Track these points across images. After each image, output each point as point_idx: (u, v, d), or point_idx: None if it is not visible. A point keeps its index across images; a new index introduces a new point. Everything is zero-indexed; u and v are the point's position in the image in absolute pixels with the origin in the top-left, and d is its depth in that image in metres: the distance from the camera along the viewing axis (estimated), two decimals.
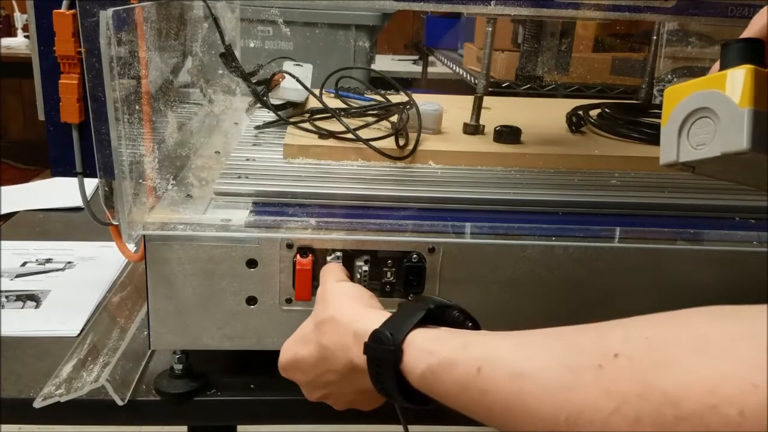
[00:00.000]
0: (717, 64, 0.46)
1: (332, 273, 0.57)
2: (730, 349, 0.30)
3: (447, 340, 0.42)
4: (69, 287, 0.83)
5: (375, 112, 0.86)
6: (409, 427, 0.55)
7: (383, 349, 0.43)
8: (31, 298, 0.80)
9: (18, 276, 0.85)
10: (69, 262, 0.89)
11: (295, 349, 0.52)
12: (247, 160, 0.75)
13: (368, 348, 0.45)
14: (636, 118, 0.91)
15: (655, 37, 1.03)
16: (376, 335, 0.44)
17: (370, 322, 0.46)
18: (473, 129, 0.84)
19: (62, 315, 0.76)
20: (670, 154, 0.47)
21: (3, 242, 0.93)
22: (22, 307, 0.78)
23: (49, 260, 0.90)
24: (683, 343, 0.31)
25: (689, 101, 0.45)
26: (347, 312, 0.49)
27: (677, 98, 0.46)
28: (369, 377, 0.45)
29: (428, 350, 0.42)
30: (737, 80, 0.42)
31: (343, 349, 0.47)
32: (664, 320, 0.34)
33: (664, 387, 0.30)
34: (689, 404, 0.29)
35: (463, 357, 0.40)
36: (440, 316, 0.45)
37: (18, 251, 0.92)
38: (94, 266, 0.88)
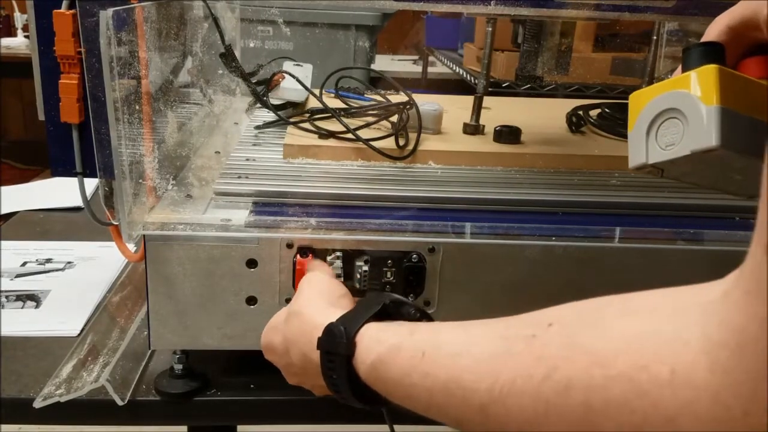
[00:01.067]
0: (679, 69, 0.46)
1: (316, 267, 0.58)
2: (660, 310, 0.29)
3: (396, 329, 0.42)
4: (69, 287, 0.83)
5: (375, 112, 0.86)
6: (406, 427, 0.55)
7: (336, 343, 0.43)
8: (31, 298, 0.80)
9: (18, 276, 0.85)
10: (69, 262, 0.89)
11: (269, 336, 0.53)
12: (247, 160, 0.75)
13: (321, 342, 0.45)
14: None
15: (655, 37, 1.03)
16: (329, 329, 0.45)
17: (328, 319, 0.46)
18: (473, 129, 0.84)
19: (62, 315, 0.76)
20: (639, 156, 0.47)
21: (3, 242, 0.93)
22: (22, 307, 0.78)
23: (49, 260, 0.90)
24: (614, 307, 0.31)
25: (655, 103, 0.45)
26: (311, 307, 0.50)
27: (642, 102, 0.46)
28: (321, 372, 0.45)
29: (378, 340, 0.42)
30: (702, 79, 0.43)
31: (301, 343, 0.48)
32: (595, 299, 0.33)
33: (592, 348, 0.29)
34: (619, 364, 0.28)
35: (409, 342, 0.40)
36: (396, 313, 0.46)
37: (18, 251, 0.92)
38: (94, 266, 0.88)
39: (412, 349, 0.39)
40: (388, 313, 0.45)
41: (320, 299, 0.51)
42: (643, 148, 0.46)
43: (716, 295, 0.28)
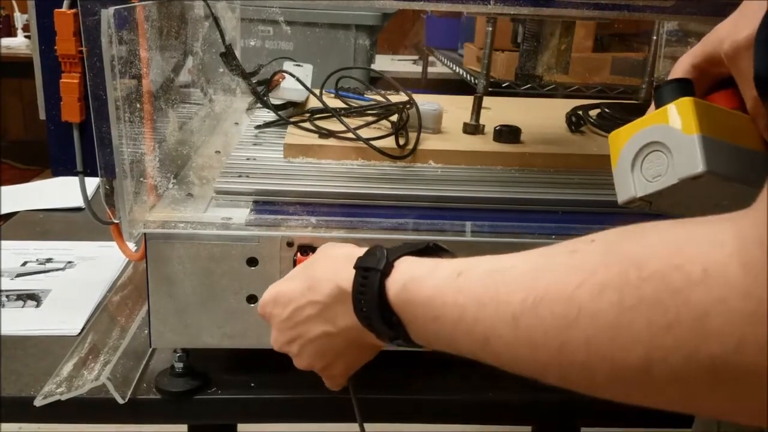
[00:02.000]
0: (652, 107, 0.48)
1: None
2: (700, 222, 0.30)
3: (435, 259, 0.43)
4: (69, 286, 0.83)
5: (375, 111, 0.86)
6: (407, 426, 0.55)
7: (374, 260, 0.43)
8: (32, 298, 0.80)
9: (18, 275, 0.85)
10: (69, 262, 0.89)
11: (278, 287, 0.51)
12: (248, 159, 0.75)
13: (359, 260, 0.45)
14: (636, 118, 0.91)
15: (654, 37, 1.03)
16: (370, 250, 0.45)
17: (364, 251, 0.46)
18: (473, 129, 0.84)
19: (63, 314, 0.76)
20: (627, 191, 0.48)
21: (3, 242, 0.93)
22: (22, 307, 0.78)
23: (49, 260, 0.90)
24: (655, 224, 0.32)
25: (636, 140, 0.47)
26: (345, 248, 0.50)
27: (622, 140, 0.48)
28: (351, 292, 0.44)
29: (416, 263, 0.42)
30: (681, 111, 0.44)
31: (332, 274, 0.47)
32: (641, 224, 0.34)
33: (629, 252, 0.30)
34: (653, 264, 0.29)
35: (447, 264, 0.40)
36: (435, 256, 0.45)
37: (18, 251, 0.92)
38: (95, 266, 0.88)
39: (449, 270, 0.40)
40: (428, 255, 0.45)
41: (355, 247, 0.51)
42: (630, 182, 0.47)
43: (746, 209, 0.29)
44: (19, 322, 0.74)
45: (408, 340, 0.43)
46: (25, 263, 0.89)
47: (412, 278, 0.41)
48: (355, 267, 0.45)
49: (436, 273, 0.40)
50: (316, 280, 0.48)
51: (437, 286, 0.39)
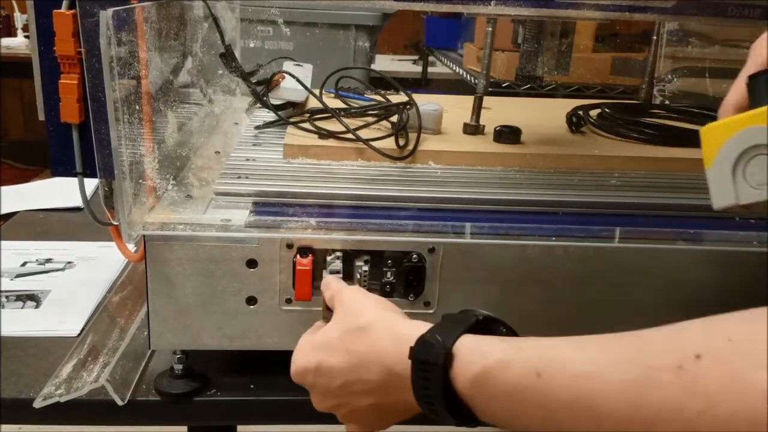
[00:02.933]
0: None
1: (342, 283, 0.56)
2: None
3: (499, 344, 0.41)
4: (69, 287, 0.83)
5: (375, 112, 0.86)
6: (410, 426, 0.55)
7: (432, 353, 0.42)
8: (31, 298, 0.80)
9: (18, 276, 0.85)
10: (69, 262, 0.89)
11: (319, 356, 0.49)
12: (247, 160, 0.75)
13: (414, 352, 0.43)
14: (636, 118, 0.91)
15: (655, 37, 1.03)
16: (423, 339, 0.43)
17: (414, 329, 0.44)
18: (473, 129, 0.84)
19: (62, 315, 0.76)
20: (727, 197, 0.45)
21: (3, 242, 0.93)
22: (22, 307, 0.78)
23: (49, 260, 0.90)
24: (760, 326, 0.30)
25: (737, 141, 0.44)
26: (385, 319, 0.48)
27: (720, 139, 0.45)
28: (411, 385, 0.43)
29: (481, 352, 0.40)
30: None
31: (381, 356, 0.46)
32: (737, 319, 0.33)
33: (758, 382, 0.29)
34: None
35: (520, 358, 0.39)
36: (486, 330, 0.44)
37: (18, 251, 0.92)
38: (94, 266, 0.88)
39: (524, 366, 0.38)
40: (478, 330, 0.44)
41: (389, 311, 0.49)
42: (731, 189, 0.45)
43: None
44: (19, 322, 0.74)
45: (476, 422, 0.42)
46: (24, 263, 0.89)
47: (484, 372, 0.40)
48: (410, 358, 0.43)
49: (510, 368, 0.39)
50: (362, 360, 0.47)
51: (515, 384, 0.38)
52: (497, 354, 0.40)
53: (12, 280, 0.84)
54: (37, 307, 0.78)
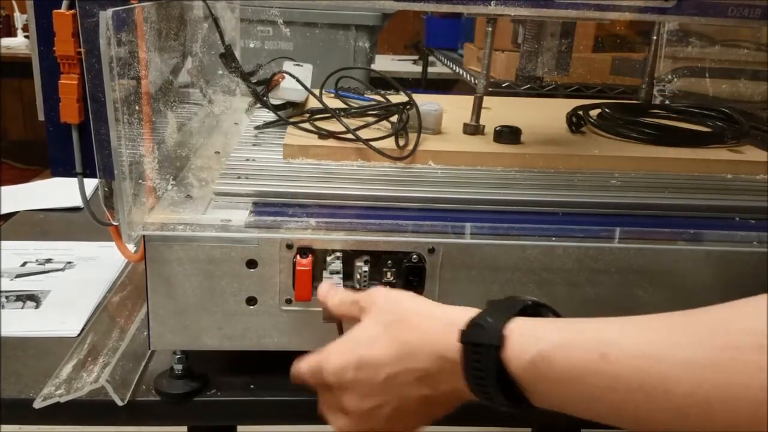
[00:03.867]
0: None
1: (348, 291, 0.55)
2: None
3: (553, 325, 0.40)
4: (69, 287, 0.83)
5: (375, 112, 0.86)
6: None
7: (485, 335, 0.41)
8: (31, 298, 0.80)
9: (18, 276, 0.85)
10: (69, 262, 0.89)
11: (360, 351, 0.47)
12: (247, 160, 0.75)
13: (466, 335, 0.42)
14: (636, 118, 0.91)
15: (655, 38, 1.03)
16: (475, 322, 0.42)
17: (463, 313, 0.43)
18: (473, 129, 0.84)
19: (62, 315, 0.76)
20: None
21: (3, 242, 0.93)
22: (22, 307, 0.78)
23: (49, 260, 0.90)
24: None
25: None
26: (429, 307, 0.47)
27: None
28: (462, 369, 0.42)
29: (536, 336, 0.40)
30: None
31: (430, 342, 0.44)
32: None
33: None
34: None
35: (580, 340, 0.38)
36: (534, 315, 0.43)
37: (18, 251, 0.92)
38: (94, 266, 0.88)
39: (585, 348, 0.37)
40: (527, 315, 0.43)
41: (426, 301, 0.48)
42: None
43: None
44: (19, 323, 0.74)
45: (531, 407, 0.41)
46: (24, 263, 0.89)
47: (541, 355, 0.39)
48: (461, 341, 0.42)
49: (571, 351, 0.38)
50: (410, 347, 0.45)
51: (579, 367, 0.37)
52: (554, 336, 0.39)
53: (12, 280, 0.84)
54: (37, 307, 0.78)
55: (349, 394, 0.48)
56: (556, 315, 0.44)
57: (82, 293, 0.80)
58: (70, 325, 0.73)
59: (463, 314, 0.44)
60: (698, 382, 0.34)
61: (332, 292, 0.56)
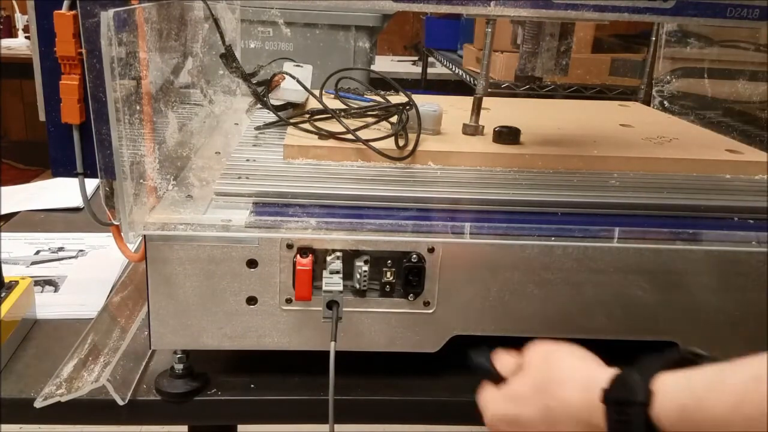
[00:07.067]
0: None
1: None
2: None
3: (700, 373, 0.39)
4: (84, 272, 0.86)
5: (375, 112, 0.86)
6: (408, 426, 0.55)
7: (630, 391, 0.40)
8: (50, 283, 0.82)
9: (33, 263, 0.88)
10: (81, 250, 0.92)
11: (514, 409, 0.49)
12: (248, 160, 0.75)
13: (609, 392, 0.41)
14: None
15: (654, 38, 1.03)
16: (619, 378, 0.41)
17: (604, 372, 0.43)
18: (473, 130, 0.84)
19: (81, 297, 0.79)
20: None
21: (12, 234, 0.95)
22: (41, 292, 0.80)
23: (61, 248, 0.92)
24: None
25: None
26: (576, 368, 0.47)
27: None
28: (607, 429, 0.41)
29: (683, 386, 0.38)
30: None
31: (571, 410, 0.44)
32: None
33: None
34: None
35: (728, 377, 0.37)
36: (690, 365, 0.41)
37: (30, 241, 0.94)
38: (106, 254, 0.90)
39: (733, 383, 0.36)
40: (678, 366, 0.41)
41: (579, 359, 0.48)
42: None
43: None
44: (40, 306, 0.76)
45: None
46: (38, 252, 0.91)
47: (692, 400, 0.37)
48: (604, 402, 0.41)
49: (720, 390, 0.37)
50: (553, 414, 0.46)
51: (729, 403, 0.36)
52: (701, 384, 0.38)
53: (28, 267, 0.86)
54: (55, 291, 0.81)
55: None
56: (710, 360, 0.42)
57: (97, 277, 0.83)
58: (90, 307, 0.76)
59: (606, 374, 0.43)
60: None
61: (504, 359, 0.55)
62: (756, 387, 0.35)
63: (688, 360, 0.41)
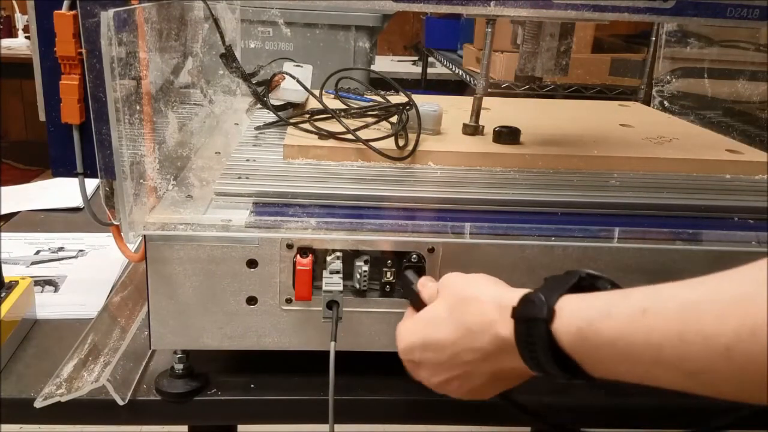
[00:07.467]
0: None
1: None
2: None
3: (602, 295, 0.41)
4: (84, 272, 0.86)
5: (375, 112, 0.86)
6: (408, 426, 0.55)
7: (535, 310, 0.42)
8: (50, 283, 0.82)
9: (33, 263, 0.88)
10: (81, 250, 0.92)
11: (425, 331, 0.51)
12: (248, 160, 0.75)
13: (517, 312, 0.43)
14: None
15: (654, 38, 1.03)
16: (526, 299, 0.43)
17: (517, 293, 0.45)
18: (473, 129, 0.84)
19: (81, 297, 0.79)
20: None
21: (12, 234, 0.95)
22: (41, 292, 0.80)
23: (61, 248, 0.92)
24: None
25: None
26: (490, 290, 0.48)
27: None
28: (517, 347, 0.43)
29: (583, 306, 0.40)
30: None
31: (488, 325, 0.46)
32: None
33: None
34: None
35: (624, 303, 0.38)
36: (590, 287, 0.44)
37: (30, 241, 0.94)
38: (106, 254, 0.90)
39: (629, 308, 0.38)
40: (582, 288, 0.43)
41: (493, 284, 0.50)
42: None
43: None
44: (40, 306, 0.76)
45: (587, 377, 0.42)
46: (38, 252, 0.91)
47: (588, 323, 0.39)
48: (514, 317, 0.44)
49: (615, 313, 0.38)
50: (469, 330, 0.47)
51: (621, 328, 0.38)
52: (600, 304, 0.40)
53: (28, 267, 0.87)
54: (55, 291, 0.81)
55: (420, 370, 0.52)
56: (614, 285, 0.45)
57: (97, 277, 0.83)
58: (90, 307, 0.76)
59: (518, 295, 0.45)
60: (742, 317, 0.33)
61: (429, 282, 0.56)
62: (640, 318, 0.37)
63: (589, 281, 0.44)
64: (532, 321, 0.42)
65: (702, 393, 0.35)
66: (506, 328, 0.44)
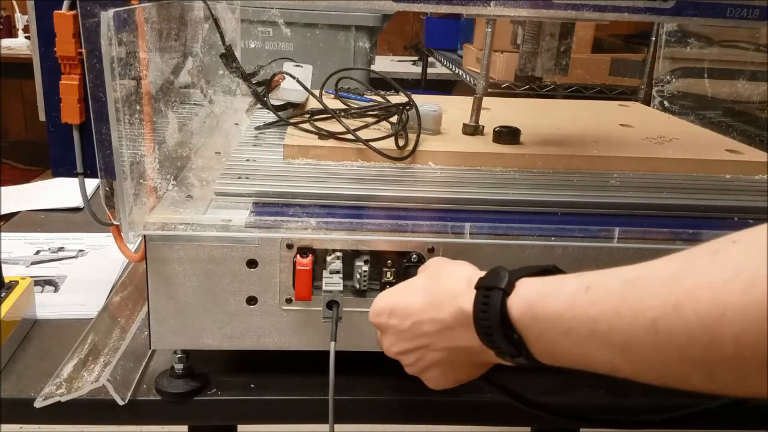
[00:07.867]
0: None
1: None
2: None
3: (559, 276, 0.42)
4: (84, 272, 0.86)
5: (375, 112, 0.86)
6: (407, 426, 0.55)
7: (497, 281, 0.44)
8: (50, 283, 0.83)
9: (33, 263, 0.88)
10: (81, 250, 0.92)
11: (396, 297, 0.52)
12: (248, 160, 0.75)
13: (481, 279, 0.45)
14: None
15: (654, 38, 1.03)
16: (492, 271, 0.45)
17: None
18: (473, 129, 0.84)
19: (81, 297, 0.79)
20: None
21: (13, 234, 0.95)
22: (41, 292, 0.80)
23: (61, 248, 0.92)
24: None
25: None
26: (467, 270, 0.50)
27: None
28: (472, 315, 0.44)
29: (539, 283, 0.42)
30: None
31: (454, 296, 0.47)
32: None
33: None
34: None
35: (574, 281, 0.40)
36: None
37: (30, 241, 0.94)
38: (106, 254, 0.90)
39: (576, 285, 0.39)
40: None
41: (472, 267, 0.51)
42: None
43: None
44: (40, 306, 0.76)
45: (530, 358, 0.43)
46: (38, 252, 0.91)
47: (538, 295, 0.41)
48: (476, 287, 0.45)
49: (563, 289, 0.40)
50: (438, 298, 0.49)
51: (566, 301, 0.39)
52: (552, 281, 0.41)
53: (28, 267, 0.87)
54: (55, 291, 0.81)
55: (384, 336, 0.53)
56: None
57: (97, 277, 0.83)
58: (90, 307, 0.76)
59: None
60: (666, 292, 0.33)
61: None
62: (583, 293, 0.38)
63: (557, 273, 0.45)
64: (490, 289, 0.44)
65: (629, 375, 0.36)
66: (468, 301, 0.46)
